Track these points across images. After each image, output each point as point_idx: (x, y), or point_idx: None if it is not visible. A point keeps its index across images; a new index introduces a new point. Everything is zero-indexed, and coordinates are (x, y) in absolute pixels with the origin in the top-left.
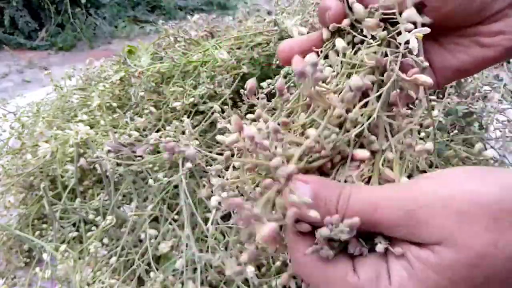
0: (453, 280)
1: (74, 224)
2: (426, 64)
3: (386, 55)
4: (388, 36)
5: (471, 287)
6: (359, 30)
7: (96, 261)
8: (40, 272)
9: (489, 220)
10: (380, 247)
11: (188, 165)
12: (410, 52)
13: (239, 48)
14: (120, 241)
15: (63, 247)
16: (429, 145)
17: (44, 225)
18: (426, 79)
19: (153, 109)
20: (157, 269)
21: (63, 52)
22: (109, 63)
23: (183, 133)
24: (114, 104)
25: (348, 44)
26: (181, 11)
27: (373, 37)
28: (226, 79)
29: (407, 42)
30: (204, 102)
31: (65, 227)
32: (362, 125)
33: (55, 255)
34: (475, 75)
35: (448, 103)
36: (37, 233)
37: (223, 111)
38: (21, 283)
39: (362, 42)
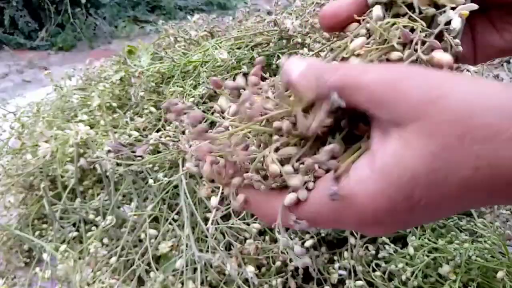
0: (412, 173)
1: (74, 224)
2: (460, 48)
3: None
4: (438, 12)
5: (433, 182)
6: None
7: (96, 261)
8: (40, 272)
9: (467, 113)
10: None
11: (188, 165)
12: (449, 32)
13: (239, 48)
14: (120, 241)
15: (63, 247)
16: None
17: (44, 225)
18: (442, 56)
19: (153, 109)
20: (157, 269)
21: (63, 52)
22: (109, 63)
23: (183, 133)
24: (114, 104)
25: (394, 16)
26: (181, 11)
27: (421, 13)
28: (226, 79)
29: (449, 23)
30: (204, 102)
31: (65, 227)
32: None
33: (55, 255)
34: (475, 75)
35: None
36: (37, 233)
37: (223, 111)
38: (21, 283)
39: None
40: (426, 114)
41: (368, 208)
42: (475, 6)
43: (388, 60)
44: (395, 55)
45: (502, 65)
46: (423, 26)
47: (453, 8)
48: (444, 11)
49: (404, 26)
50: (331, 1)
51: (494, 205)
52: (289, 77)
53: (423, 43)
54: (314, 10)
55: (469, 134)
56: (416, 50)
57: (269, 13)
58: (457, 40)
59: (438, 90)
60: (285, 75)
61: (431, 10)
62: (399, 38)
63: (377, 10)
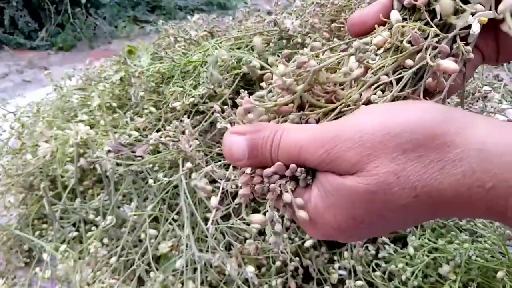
0: (356, 203)
1: (74, 224)
2: (471, 55)
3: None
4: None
5: (372, 210)
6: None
7: (96, 261)
8: (40, 272)
9: (397, 151)
10: (302, 180)
11: (188, 165)
12: (467, 37)
13: (239, 48)
14: (120, 241)
15: (63, 247)
16: None
17: (44, 225)
18: (449, 64)
19: (153, 109)
20: (157, 269)
21: (63, 52)
22: (109, 63)
23: (183, 133)
24: (114, 104)
25: (417, 20)
26: (181, 11)
27: (441, 19)
28: (226, 79)
29: (467, 27)
30: (204, 102)
31: (65, 227)
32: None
33: (55, 255)
34: (475, 75)
35: (448, 103)
36: (37, 233)
37: (223, 111)
38: (21, 283)
39: (427, 22)
40: (363, 168)
41: (324, 226)
42: (492, 14)
43: (403, 66)
44: (409, 63)
45: (502, 65)
46: (437, 31)
47: (472, 14)
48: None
49: (422, 31)
50: (359, 9)
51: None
52: (238, 162)
53: (434, 48)
54: (314, 10)
55: (402, 171)
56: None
57: (269, 13)
58: (469, 48)
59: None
60: (232, 160)
61: (452, 18)
62: (409, 43)
63: (394, 15)
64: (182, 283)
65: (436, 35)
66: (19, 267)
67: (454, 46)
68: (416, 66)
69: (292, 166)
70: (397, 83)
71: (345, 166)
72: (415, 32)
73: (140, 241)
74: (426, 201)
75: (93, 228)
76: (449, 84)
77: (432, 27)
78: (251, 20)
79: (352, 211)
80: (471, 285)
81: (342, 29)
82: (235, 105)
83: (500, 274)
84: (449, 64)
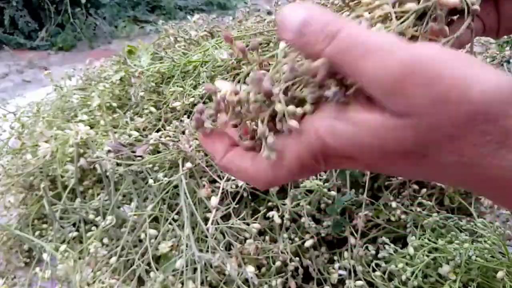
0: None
1: (74, 224)
2: (477, 7)
3: None
4: None
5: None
6: None
7: (96, 261)
8: (40, 272)
9: (464, 119)
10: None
11: (188, 165)
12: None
13: None
14: (120, 241)
15: (63, 247)
16: None
17: (44, 225)
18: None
19: (153, 109)
20: (157, 269)
21: (63, 52)
22: (109, 63)
23: (183, 133)
24: (114, 104)
25: None
26: (181, 11)
27: None
28: (226, 79)
29: None
30: (204, 102)
31: (65, 227)
32: None
33: (55, 255)
34: None
35: None
36: (37, 233)
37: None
38: (21, 283)
39: None
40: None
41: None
42: None
43: (403, 12)
44: (410, 6)
45: (502, 65)
46: None
47: None
48: None
49: None
50: None
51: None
52: (287, 31)
53: None
54: None
55: (457, 140)
56: None
57: (269, 13)
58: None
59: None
60: (283, 28)
61: None
62: None
63: None
64: (182, 283)
65: None
66: (19, 267)
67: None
68: (420, 5)
69: (321, 76)
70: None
71: (406, 104)
72: None
73: (140, 241)
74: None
75: (93, 228)
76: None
77: None
78: (251, 20)
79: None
80: (471, 285)
81: None
82: None
83: (500, 274)
84: None
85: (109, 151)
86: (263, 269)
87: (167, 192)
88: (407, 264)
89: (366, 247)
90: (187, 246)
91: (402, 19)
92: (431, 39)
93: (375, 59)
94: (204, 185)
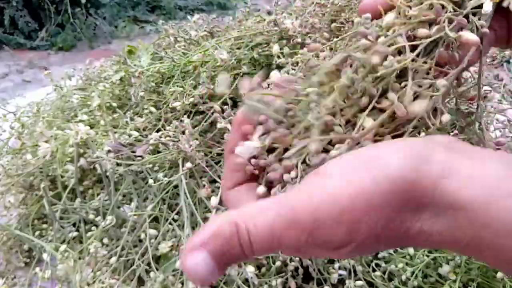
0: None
1: (74, 224)
2: (486, 31)
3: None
4: None
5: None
6: None
7: (96, 261)
8: (40, 272)
9: (381, 216)
10: None
11: (188, 165)
12: (479, 16)
13: (239, 48)
14: (120, 241)
15: (63, 247)
16: (445, 117)
17: (44, 225)
18: (472, 37)
19: (153, 109)
20: (157, 269)
21: (63, 52)
22: (109, 63)
23: (183, 133)
24: (114, 104)
25: None
26: (181, 11)
27: None
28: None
29: (479, 7)
30: (204, 102)
31: (65, 227)
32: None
33: (55, 255)
34: (475, 75)
35: (448, 103)
36: (37, 233)
37: (223, 111)
38: (21, 283)
39: None
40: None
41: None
42: None
43: (414, 37)
44: (421, 32)
45: (502, 65)
46: (454, 7)
47: None
48: None
49: (432, 6)
50: None
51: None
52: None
53: (450, 21)
54: (314, 10)
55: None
56: (443, 28)
57: (269, 13)
58: (483, 22)
59: None
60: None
61: None
62: (430, 9)
63: None
64: (182, 283)
65: (454, 10)
66: (19, 267)
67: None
68: (433, 36)
69: None
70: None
71: (332, 245)
72: (435, 2)
73: (140, 241)
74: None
75: (93, 228)
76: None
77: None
78: (251, 20)
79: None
80: (471, 285)
81: (342, 29)
82: (235, 105)
83: (500, 274)
84: (470, 35)
85: (109, 151)
86: (263, 269)
87: (167, 192)
88: (407, 264)
89: None
90: None
91: (415, 51)
92: (441, 66)
93: (285, 239)
94: (204, 185)
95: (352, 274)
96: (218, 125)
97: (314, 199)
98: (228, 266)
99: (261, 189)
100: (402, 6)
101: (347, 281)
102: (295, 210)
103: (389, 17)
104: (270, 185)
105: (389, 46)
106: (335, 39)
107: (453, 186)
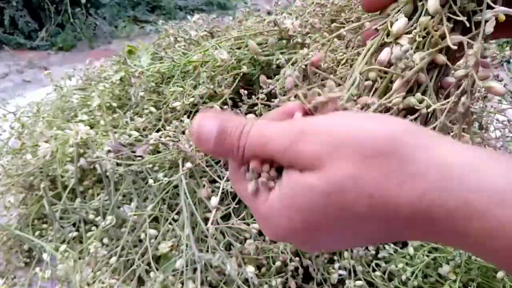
0: (312, 205)
1: (74, 224)
2: (487, 59)
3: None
4: (476, 8)
5: (326, 215)
6: None
7: (96, 261)
8: (40, 272)
9: (359, 156)
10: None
11: (188, 165)
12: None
13: (239, 48)
14: (120, 241)
15: (63, 247)
16: None
17: (44, 225)
18: (499, 88)
19: (153, 109)
20: (157, 269)
21: (63, 52)
22: (109, 63)
23: (183, 133)
24: (114, 104)
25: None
26: (181, 11)
27: (459, 6)
28: (226, 79)
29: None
30: (204, 102)
31: (65, 227)
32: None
33: (55, 255)
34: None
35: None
36: (37, 233)
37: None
38: (21, 283)
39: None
40: (323, 165)
41: (277, 226)
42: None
43: (434, 62)
44: (440, 58)
45: (502, 65)
46: (465, 24)
47: (491, 7)
48: (481, 10)
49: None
50: None
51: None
52: (207, 142)
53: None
54: (314, 10)
55: (360, 178)
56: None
57: (269, 13)
58: (486, 45)
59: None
60: (202, 140)
61: (471, 5)
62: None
63: (433, 3)
64: (182, 283)
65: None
66: (19, 267)
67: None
68: (458, 79)
69: (255, 165)
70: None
71: (305, 161)
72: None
73: (140, 241)
74: (381, 213)
75: (93, 228)
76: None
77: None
78: (251, 20)
79: (307, 214)
80: (471, 285)
81: (342, 29)
82: (235, 105)
83: (500, 274)
84: (499, 87)
85: (109, 151)
86: (263, 269)
87: (167, 192)
88: (407, 264)
89: (366, 247)
90: (187, 246)
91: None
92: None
93: (273, 141)
94: (204, 185)
95: (352, 274)
96: None
97: (308, 120)
98: (220, 149)
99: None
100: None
101: (347, 281)
102: (290, 124)
103: (400, 23)
104: None
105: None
106: (335, 40)
107: (442, 150)
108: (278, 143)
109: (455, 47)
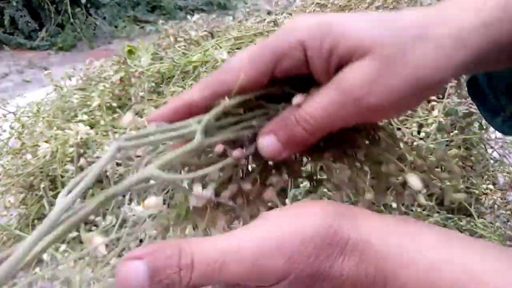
0: None
1: None
2: None
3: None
4: None
5: None
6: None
7: (96, 261)
8: (40, 272)
9: (313, 256)
10: None
11: None
12: None
13: (239, 48)
14: (120, 241)
15: (63, 247)
16: None
17: None
18: (417, 185)
19: (153, 109)
20: None
21: (63, 52)
22: (109, 63)
23: None
24: (114, 104)
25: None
26: (181, 11)
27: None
28: None
29: None
30: None
31: None
32: None
33: (55, 255)
34: None
35: (448, 103)
36: None
37: None
38: (21, 283)
39: None
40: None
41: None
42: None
43: None
44: None
45: None
46: None
47: None
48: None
49: None
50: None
51: None
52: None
53: None
54: (314, 10)
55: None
56: None
57: (269, 13)
58: None
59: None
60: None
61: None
62: None
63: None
64: None
65: None
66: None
67: None
68: None
69: None
70: None
71: (272, 277)
72: None
73: (141, 241)
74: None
75: (93, 228)
76: None
77: None
78: (251, 20)
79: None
80: None
81: None
82: None
83: None
84: (416, 183)
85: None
86: None
87: (167, 192)
88: None
89: None
90: None
91: None
92: None
93: (229, 265)
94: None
95: None
96: None
97: (256, 235)
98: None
99: None
100: None
101: None
102: (240, 240)
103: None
104: None
105: None
106: None
107: (363, 232)
108: (236, 265)
109: None
